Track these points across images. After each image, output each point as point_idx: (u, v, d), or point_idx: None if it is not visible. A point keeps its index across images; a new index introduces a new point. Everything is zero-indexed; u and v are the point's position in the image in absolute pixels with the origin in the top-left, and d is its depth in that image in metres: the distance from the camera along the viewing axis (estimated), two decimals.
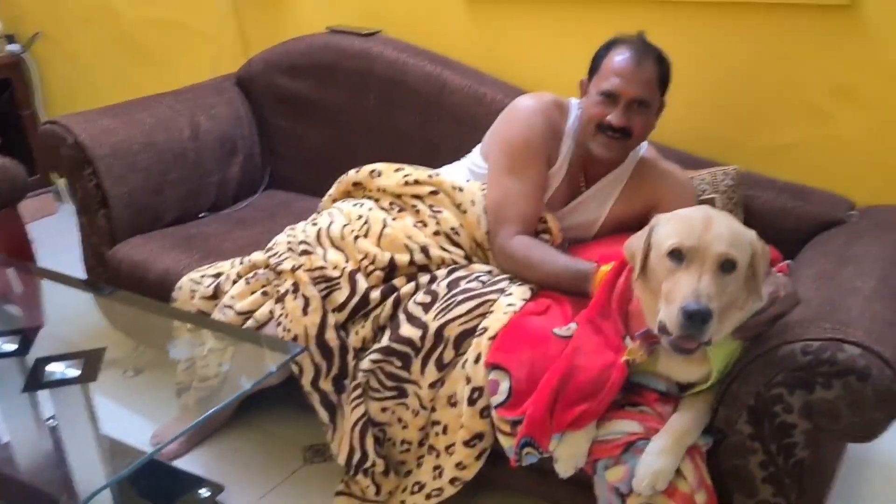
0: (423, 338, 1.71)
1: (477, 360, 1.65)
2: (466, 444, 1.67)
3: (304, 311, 1.77)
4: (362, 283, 1.81)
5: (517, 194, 1.85)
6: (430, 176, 1.96)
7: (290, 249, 1.90)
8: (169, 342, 2.09)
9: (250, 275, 1.95)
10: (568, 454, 1.49)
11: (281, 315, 1.79)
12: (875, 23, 1.84)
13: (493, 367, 1.61)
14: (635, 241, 1.51)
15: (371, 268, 1.83)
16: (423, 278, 1.82)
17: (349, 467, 1.79)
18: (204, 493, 1.87)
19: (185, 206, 2.53)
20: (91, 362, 1.58)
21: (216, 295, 1.97)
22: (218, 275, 2.03)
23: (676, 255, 1.39)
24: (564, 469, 1.51)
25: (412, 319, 1.74)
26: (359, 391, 1.77)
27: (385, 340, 1.75)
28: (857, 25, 1.86)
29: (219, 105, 2.68)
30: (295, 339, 1.75)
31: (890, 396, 1.29)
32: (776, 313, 1.45)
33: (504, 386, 1.57)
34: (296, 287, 1.80)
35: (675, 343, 1.39)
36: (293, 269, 1.83)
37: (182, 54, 3.04)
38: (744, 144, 2.08)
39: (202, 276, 2.06)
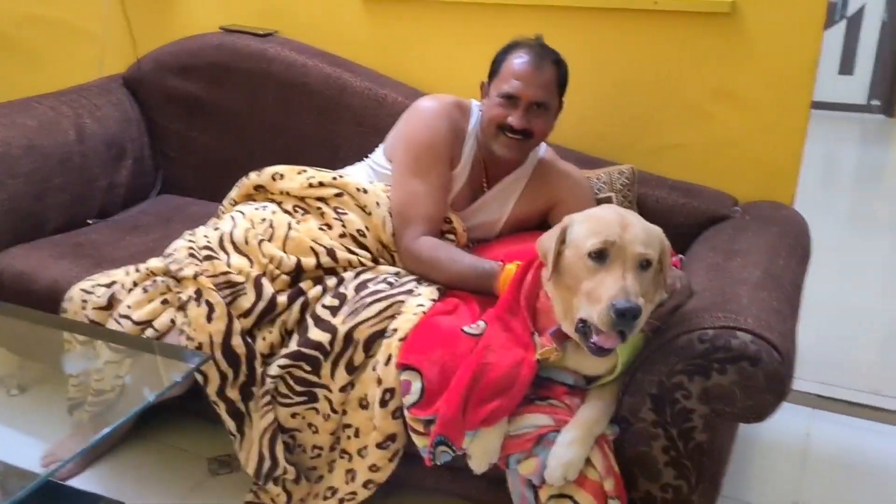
0: (332, 341, 1.70)
1: (387, 362, 1.65)
2: (379, 445, 1.67)
3: (209, 319, 1.71)
4: (268, 288, 1.77)
5: (421, 195, 1.87)
6: (333, 178, 1.95)
7: (191, 255, 1.83)
8: (58, 356, 1.99)
9: (148, 282, 1.87)
10: (481, 451, 1.52)
11: (184, 323, 1.73)
12: (753, 29, 1.96)
13: (404, 367, 1.61)
14: (547, 240, 1.55)
15: (277, 272, 1.80)
16: (331, 281, 1.80)
17: (259, 476, 1.75)
18: None
19: (71, 212, 2.40)
20: None
21: (110, 305, 1.88)
22: (111, 284, 1.94)
23: (599, 255, 1.44)
24: (478, 465, 1.53)
25: (320, 323, 1.72)
26: (267, 398, 1.73)
27: (293, 345, 1.73)
28: (736, 32, 1.98)
29: (105, 106, 2.56)
30: (199, 347, 1.69)
31: (778, 379, 1.38)
32: (674, 304, 1.53)
33: (416, 386, 1.58)
34: (199, 294, 1.74)
35: (595, 344, 1.43)
36: (195, 276, 1.77)
37: (64, 54, 2.88)
38: (635, 145, 2.17)
39: (94, 286, 1.96)
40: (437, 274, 1.81)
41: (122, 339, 1.75)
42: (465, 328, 1.64)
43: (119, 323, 1.82)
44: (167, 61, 2.57)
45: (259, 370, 1.73)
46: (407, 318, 1.69)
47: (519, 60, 1.82)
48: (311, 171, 1.99)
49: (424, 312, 1.69)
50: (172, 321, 1.76)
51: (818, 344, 2.47)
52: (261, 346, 1.75)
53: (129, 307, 1.83)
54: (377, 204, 1.90)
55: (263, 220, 1.90)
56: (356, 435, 1.72)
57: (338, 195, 1.92)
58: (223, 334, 1.70)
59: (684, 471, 1.50)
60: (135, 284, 1.88)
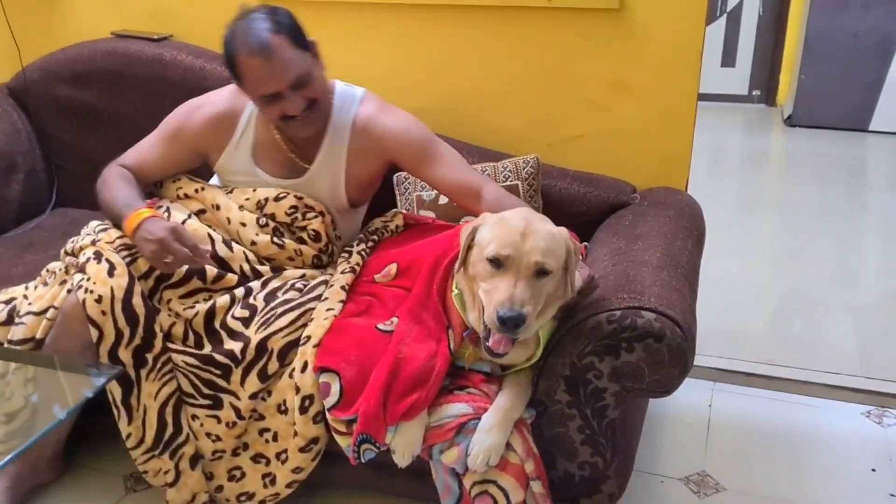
0: (244, 350, 1.70)
1: (304, 369, 1.65)
2: (302, 450, 1.68)
3: (110, 274, 1.69)
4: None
5: (146, 146, 1.99)
6: (196, 190, 1.96)
7: (87, 235, 1.84)
8: None
9: (49, 276, 1.83)
10: (404, 444, 1.54)
11: (82, 280, 1.69)
12: (641, 23, 2.05)
13: (322, 370, 1.62)
14: (462, 233, 1.59)
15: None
16: (239, 291, 1.79)
17: (157, 445, 1.72)
18: None
19: None
20: None
21: (10, 320, 1.80)
22: (10, 300, 1.86)
23: (495, 261, 1.48)
24: (402, 459, 1.55)
25: (234, 335, 1.72)
26: (169, 367, 1.72)
27: (207, 350, 1.72)
28: (626, 27, 2.07)
29: None
30: (100, 299, 1.65)
31: (681, 354, 1.46)
32: (580, 300, 1.58)
33: (335, 387, 1.59)
34: (98, 255, 1.73)
35: (489, 348, 1.49)
36: (93, 242, 1.78)
37: None
38: (536, 138, 2.23)
39: None
40: (99, 194, 1.91)
41: (21, 357, 1.67)
42: (379, 326, 1.67)
43: (22, 323, 1.75)
44: (56, 69, 2.48)
45: (159, 336, 1.71)
46: (318, 323, 1.70)
47: (250, 62, 1.73)
48: (183, 179, 1.99)
49: (335, 316, 1.71)
50: (69, 291, 1.72)
51: (715, 320, 2.60)
52: (163, 319, 1.73)
53: (29, 304, 1.78)
54: (228, 220, 1.90)
55: (160, 206, 1.91)
56: (275, 439, 1.72)
57: (201, 211, 1.93)
58: (125, 290, 1.68)
59: (599, 448, 1.57)
60: (43, 283, 1.84)
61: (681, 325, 1.47)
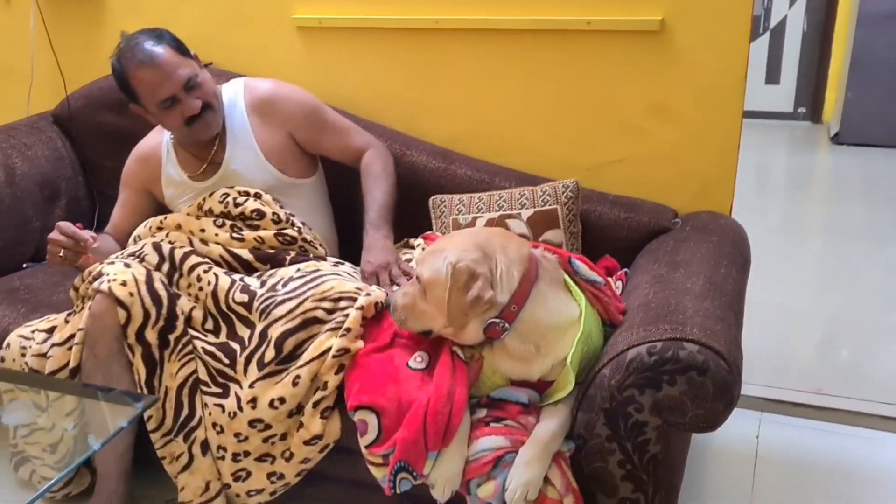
0: (250, 337, 1.74)
1: (322, 355, 1.68)
2: (307, 443, 1.69)
3: (127, 266, 1.79)
4: (166, 247, 1.88)
5: (117, 206, 2.22)
6: (160, 222, 2.05)
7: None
8: None
9: (68, 313, 1.89)
10: (444, 477, 1.51)
11: (103, 278, 1.76)
12: (682, 45, 2.02)
13: (357, 408, 1.60)
14: None
15: (173, 241, 1.95)
16: (237, 276, 1.87)
17: (174, 427, 1.75)
18: None
19: (4, 256, 2.33)
20: None
21: None
22: (52, 329, 1.89)
23: None
24: (441, 493, 1.51)
25: (241, 319, 1.79)
26: (189, 349, 1.76)
27: (222, 337, 1.78)
28: (666, 48, 2.03)
29: (36, 145, 2.50)
30: (125, 283, 1.74)
31: (726, 387, 1.40)
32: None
33: (373, 424, 1.57)
34: (110, 262, 1.83)
35: None
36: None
37: None
38: (574, 162, 2.20)
39: (33, 332, 1.91)
40: None
41: (63, 386, 1.69)
42: (411, 364, 1.65)
43: (50, 356, 1.80)
44: (99, 96, 2.52)
45: (181, 318, 1.77)
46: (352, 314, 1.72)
47: (141, 72, 1.91)
48: (150, 219, 2.10)
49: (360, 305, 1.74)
50: (90, 308, 1.77)
51: (761, 347, 2.53)
52: (183, 303, 1.81)
53: (53, 338, 1.84)
54: (191, 232, 1.99)
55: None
56: (282, 438, 1.72)
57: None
58: (145, 275, 1.78)
59: (641, 484, 1.51)
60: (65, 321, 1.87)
61: (725, 357, 1.41)
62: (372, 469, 1.59)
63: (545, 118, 2.22)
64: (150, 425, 1.74)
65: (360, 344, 1.69)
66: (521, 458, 1.47)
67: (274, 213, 1.99)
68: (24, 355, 1.87)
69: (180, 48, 1.97)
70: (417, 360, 1.65)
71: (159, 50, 1.91)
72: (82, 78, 2.58)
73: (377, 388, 1.61)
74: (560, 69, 2.16)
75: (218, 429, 1.74)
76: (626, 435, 1.49)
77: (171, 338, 1.76)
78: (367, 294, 1.76)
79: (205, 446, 1.76)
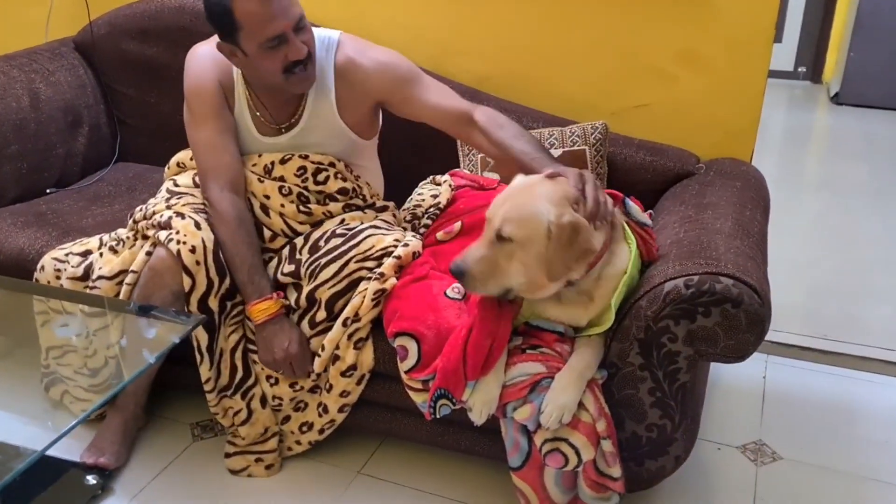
0: (297, 299, 1.77)
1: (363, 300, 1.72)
2: (343, 374, 1.75)
3: (198, 227, 1.76)
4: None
5: (209, 146, 1.83)
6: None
7: (157, 203, 1.87)
8: (25, 328, 1.94)
9: (115, 242, 1.88)
10: (481, 401, 1.57)
11: (170, 234, 1.73)
12: None
13: (397, 334, 1.66)
14: None
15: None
16: (284, 250, 1.84)
17: (230, 387, 1.81)
18: (91, 479, 1.78)
19: (28, 181, 2.34)
20: None
21: (86, 276, 1.86)
22: (86, 253, 1.91)
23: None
24: (479, 416, 1.58)
25: (287, 288, 1.80)
26: (238, 312, 1.80)
27: None
28: None
29: (58, 72, 2.48)
30: (193, 249, 1.71)
31: (759, 320, 1.47)
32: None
33: (413, 350, 1.63)
34: (180, 214, 1.78)
35: None
36: (168, 206, 1.82)
37: (5, 16, 2.76)
38: (601, 106, 2.23)
39: (67, 255, 1.93)
40: (219, 237, 1.76)
41: (104, 302, 1.72)
42: (448, 293, 1.70)
43: (95, 288, 1.81)
44: (123, 24, 2.50)
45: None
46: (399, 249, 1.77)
47: (254, 4, 1.64)
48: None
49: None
50: (148, 253, 1.76)
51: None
52: None
53: (100, 269, 1.83)
54: (252, 194, 1.88)
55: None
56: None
57: None
58: (214, 242, 1.75)
59: (669, 411, 1.59)
60: (111, 250, 1.87)
61: (758, 291, 1.48)
62: (411, 394, 1.65)
63: (574, 61, 2.24)
64: (208, 387, 1.79)
65: (393, 281, 1.74)
66: (557, 384, 1.53)
67: (350, 186, 1.91)
68: (58, 278, 1.90)
69: None
70: (455, 291, 1.70)
71: None
72: (106, 4, 2.55)
73: (416, 315, 1.66)
74: (589, 12, 2.18)
75: (272, 381, 1.81)
76: (658, 364, 1.56)
77: (229, 304, 1.78)
78: (406, 244, 1.80)
79: (263, 400, 1.83)
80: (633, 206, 1.68)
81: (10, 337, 2.23)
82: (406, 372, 1.64)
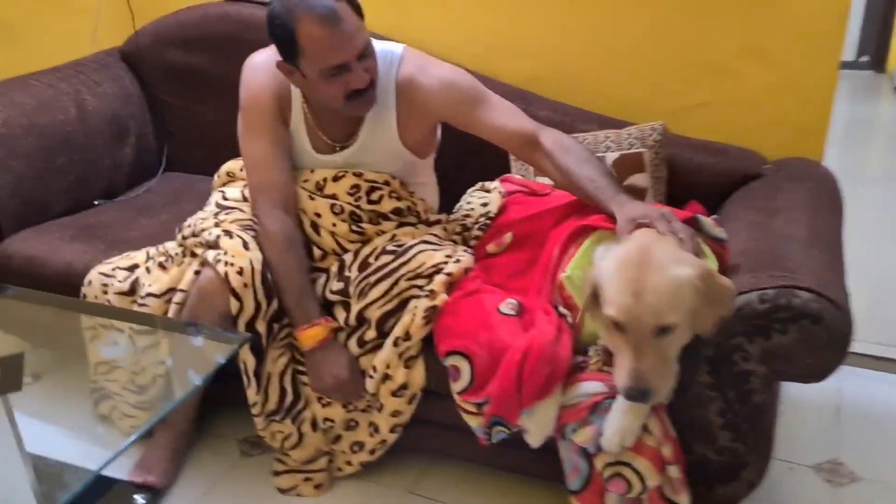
0: (346, 319, 1.71)
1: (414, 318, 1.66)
2: (394, 394, 1.69)
3: (246, 247, 1.71)
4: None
5: (261, 160, 1.78)
6: None
7: (205, 219, 1.84)
8: (75, 343, 1.92)
9: (163, 258, 1.84)
10: (537, 425, 1.50)
11: (219, 254, 1.69)
12: None
13: (449, 353, 1.59)
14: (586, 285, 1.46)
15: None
16: (334, 267, 1.78)
17: (279, 411, 1.76)
18: (140, 499, 1.75)
19: (76, 194, 2.33)
20: (11, 369, 1.41)
21: (133, 290, 1.83)
22: (133, 267, 1.89)
23: (615, 324, 1.37)
24: (535, 439, 1.51)
25: (334, 306, 1.74)
26: (286, 334, 1.75)
27: None
28: None
29: (105, 83, 2.47)
30: (241, 271, 1.66)
31: (841, 336, 1.36)
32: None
33: (465, 371, 1.56)
34: (227, 232, 1.74)
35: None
36: (217, 223, 1.78)
37: (53, 29, 2.76)
38: (658, 106, 2.12)
39: (114, 269, 1.91)
40: (269, 261, 1.71)
41: (151, 320, 1.69)
42: (502, 309, 1.62)
43: (144, 305, 1.78)
44: (167, 33, 2.48)
45: None
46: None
47: (315, 29, 1.57)
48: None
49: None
50: (197, 272, 1.72)
51: None
52: None
53: (149, 286, 1.80)
54: (303, 211, 1.82)
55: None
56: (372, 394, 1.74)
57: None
58: (262, 262, 1.70)
59: (741, 433, 1.49)
60: (159, 266, 1.84)
61: (840, 305, 1.37)
62: (465, 416, 1.58)
63: (629, 58, 2.13)
64: (255, 410, 1.74)
65: (444, 297, 1.68)
66: (618, 405, 1.44)
67: (405, 204, 1.85)
68: (105, 292, 1.87)
69: (357, 7, 1.63)
70: (508, 307, 1.62)
71: (340, 7, 1.57)
72: (152, 13, 2.53)
73: (469, 333, 1.58)
74: (644, 7, 2.07)
75: (325, 401, 1.76)
76: (729, 384, 1.46)
77: (276, 326, 1.73)
78: (457, 261, 1.73)
79: (314, 423, 1.78)
80: (706, 222, 1.59)
81: (61, 351, 2.23)
82: (459, 393, 1.57)
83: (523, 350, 1.49)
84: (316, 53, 1.60)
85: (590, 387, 1.49)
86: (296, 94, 1.80)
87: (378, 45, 1.74)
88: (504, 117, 1.77)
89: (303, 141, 1.83)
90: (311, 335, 1.68)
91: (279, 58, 1.68)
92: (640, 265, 1.36)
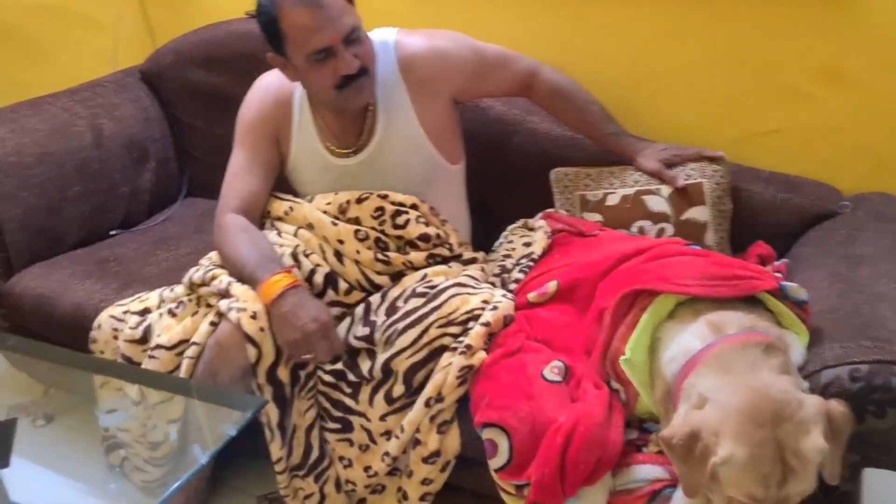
0: (371, 370, 1.56)
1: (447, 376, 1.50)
2: (425, 460, 1.53)
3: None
4: (306, 263, 1.66)
5: (239, 172, 1.80)
6: (285, 212, 1.78)
7: (213, 267, 1.71)
8: (88, 386, 1.80)
9: (174, 305, 1.70)
10: None
11: (231, 302, 1.57)
12: (865, 1, 1.71)
13: (485, 425, 1.41)
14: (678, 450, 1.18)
15: (309, 251, 1.70)
16: (359, 309, 1.65)
17: (302, 467, 1.62)
18: None
19: (91, 224, 2.21)
20: (2, 439, 1.28)
21: (145, 339, 1.69)
22: (145, 311, 1.75)
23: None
24: None
25: (359, 354, 1.60)
26: (312, 382, 1.61)
27: (339, 365, 1.59)
28: (846, 4, 1.72)
29: (123, 105, 2.35)
30: (255, 315, 1.53)
31: None
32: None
33: (503, 447, 1.38)
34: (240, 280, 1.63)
35: None
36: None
37: (72, 46, 2.65)
38: (721, 134, 1.92)
39: (125, 312, 1.78)
40: (220, 251, 1.71)
41: (164, 382, 1.55)
42: (546, 375, 1.44)
43: (154, 357, 1.64)
44: (189, 52, 2.35)
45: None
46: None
47: (297, 14, 1.56)
48: (272, 201, 1.83)
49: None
50: (213, 324, 1.60)
51: None
52: None
53: (158, 336, 1.66)
54: (325, 239, 1.72)
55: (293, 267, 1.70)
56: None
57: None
58: None
59: None
60: (170, 314, 1.70)
61: None
62: (504, 496, 1.40)
63: (686, 83, 1.94)
64: (279, 467, 1.60)
65: (482, 355, 1.51)
66: (681, 495, 1.25)
67: (434, 233, 1.74)
68: (116, 338, 1.75)
69: None
70: (554, 372, 1.44)
71: None
72: (173, 31, 2.41)
73: (508, 403, 1.41)
74: (707, 25, 1.87)
75: (346, 462, 1.61)
76: None
77: (302, 374, 1.59)
78: (494, 307, 1.57)
79: (338, 484, 1.65)
80: (791, 287, 1.38)
81: (75, 391, 2.12)
82: (496, 471, 1.39)
83: (567, 432, 1.31)
84: (298, 37, 1.58)
85: (648, 471, 1.30)
86: (298, 100, 1.77)
87: (373, 36, 1.71)
88: (505, 67, 1.84)
89: (317, 150, 1.78)
90: (276, 281, 1.55)
91: (270, 52, 1.67)
92: (776, 442, 1.12)
